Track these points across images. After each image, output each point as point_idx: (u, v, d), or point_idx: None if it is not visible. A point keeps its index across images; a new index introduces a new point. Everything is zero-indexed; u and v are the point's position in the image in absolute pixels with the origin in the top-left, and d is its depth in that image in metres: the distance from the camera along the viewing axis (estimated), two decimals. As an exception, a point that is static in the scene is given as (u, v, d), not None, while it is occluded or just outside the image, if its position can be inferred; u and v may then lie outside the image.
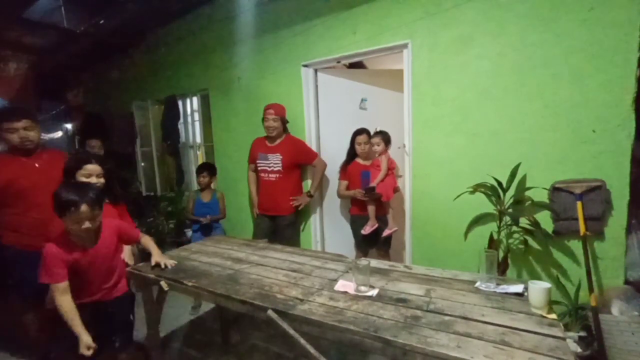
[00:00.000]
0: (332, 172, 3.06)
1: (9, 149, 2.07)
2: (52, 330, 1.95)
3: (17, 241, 2.06)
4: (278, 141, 2.95)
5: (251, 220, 3.58)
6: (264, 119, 2.91)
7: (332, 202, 3.20)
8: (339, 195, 2.96)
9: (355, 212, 2.80)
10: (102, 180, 1.78)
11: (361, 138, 2.73)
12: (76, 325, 1.46)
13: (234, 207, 3.75)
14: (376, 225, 2.67)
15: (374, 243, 2.76)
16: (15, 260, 2.07)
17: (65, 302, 1.48)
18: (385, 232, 2.67)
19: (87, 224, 1.48)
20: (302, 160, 2.97)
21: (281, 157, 2.89)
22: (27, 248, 2.04)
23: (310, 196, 3.00)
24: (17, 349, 2.28)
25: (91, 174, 1.75)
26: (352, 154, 2.83)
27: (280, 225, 2.97)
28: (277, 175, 2.91)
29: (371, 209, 2.66)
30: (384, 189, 2.61)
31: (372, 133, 2.74)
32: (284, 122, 2.95)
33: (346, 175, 2.83)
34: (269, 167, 2.92)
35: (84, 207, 1.45)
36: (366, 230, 2.67)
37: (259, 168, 2.98)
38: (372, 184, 2.62)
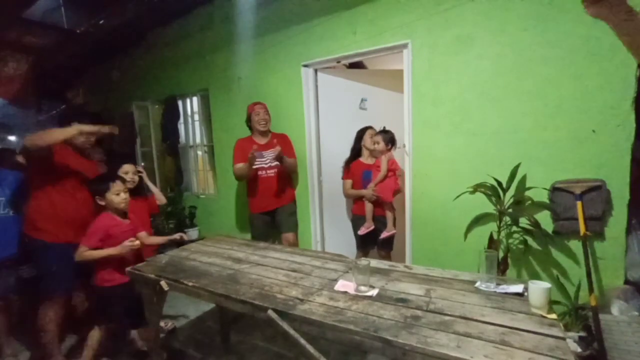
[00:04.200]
0: (332, 171, 3.06)
1: (68, 145, 2.16)
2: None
3: (48, 234, 2.09)
4: (268, 138, 2.96)
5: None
6: (251, 116, 2.93)
7: (332, 202, 3.20)
8: (346, 195, 2.95)
9: (357, 212, 2.80)
10: (137, 177, 2.33)
11: (371, 131, 2.79)
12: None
13: (234, 208, 3.75)
14: (372, 227, 2.67)
15: (373, 244, 2.76)
16: (46, 254, 2.10)
17: None
18: (383, 235, 2.65)
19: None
20: (289, 154, 2.95)
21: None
22: (56, 240, 2.09)
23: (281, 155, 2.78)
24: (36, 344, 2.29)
25: (128, 171, 2.28)
26: (357, 149, 2.84)
27: (282, 215, 2.98)
28: (275, 170, 2.89)
29: (369, 210, 2.66)
30: (382, 190, 2.61)
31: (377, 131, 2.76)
32: (270, 117, 2.98)
33: (349, 174, 2.83)
34: (266, 163, 2.88)
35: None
36: (362, 231, 2.68)
37: (255, 167, 2.90)
38: (371, 185, 2.63)
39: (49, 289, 2.12)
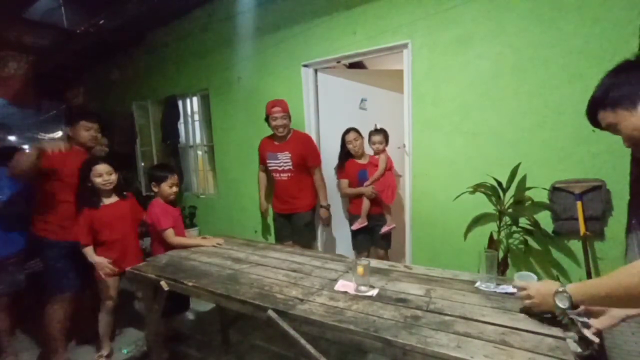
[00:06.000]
0: (332, 171, 3.06)
1: (76, 144, 2.22)
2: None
3: (53, 232, 2.12)
4: (285, 139, 2.81)
5: (252, 221, 3.58)
6: (269, 118, 2.73)
7: (331, 203, 3.19)
8: (343, 194, 2.93)
9: (354, 212, 2.80)
10: (113, 176, 2.12)
11: (350, 136, 2.75)
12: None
13: (235, 208, 3.75)
14: (365, 224, 2.68)
15: (366, 243, 2.77)
16: (52, 252, 2.14)
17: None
18: (384, 229, 2.67)
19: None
20: (309, 160, 2.81)
21: (290, 155, 2.76)
22: (62, 238, 2.12)
23: (327, 207, 2.88)
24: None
25: (101, 173, 2.06)
26: (343, 154, 2.84)
27: (297, 225, 2.85)
28: (289, 174, 2.79)
29: (365, 207, 2.68)
30: (383, 188, 2.62)
31: (371, 130, 2.75)
32: (290, 118, 2.80)
33: (344, 174, 2.83)
34: (280, 166, 2.80)
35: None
36: (355, 226, 2.70)
37: (270, 168, 2.87)
38: (367, 183, 2.65)
39: (55, 287, 2.14)
